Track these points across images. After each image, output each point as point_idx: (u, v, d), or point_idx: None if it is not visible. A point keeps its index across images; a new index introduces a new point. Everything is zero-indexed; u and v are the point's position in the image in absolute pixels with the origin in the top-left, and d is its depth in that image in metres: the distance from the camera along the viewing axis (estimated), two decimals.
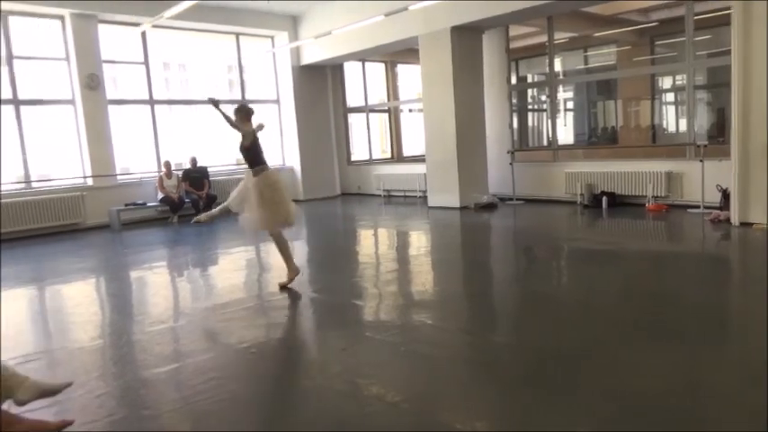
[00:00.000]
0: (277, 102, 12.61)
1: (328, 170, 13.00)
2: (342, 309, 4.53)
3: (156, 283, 6.07)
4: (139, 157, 11.17)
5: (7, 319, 4.46)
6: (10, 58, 9.17)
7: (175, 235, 9.06)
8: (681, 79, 10.90)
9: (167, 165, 10.24)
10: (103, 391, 3.07)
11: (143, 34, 10.26)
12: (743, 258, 5.86)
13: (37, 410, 2.55)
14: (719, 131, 10.52)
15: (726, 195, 7.04)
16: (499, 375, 3.06)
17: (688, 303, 4.17)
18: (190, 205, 10.19)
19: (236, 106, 5.29)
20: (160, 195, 10.16)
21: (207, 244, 8.24)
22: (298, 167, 12.51)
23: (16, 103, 9.30)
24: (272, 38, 12.28)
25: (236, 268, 6.50)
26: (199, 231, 9.10)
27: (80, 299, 5.47)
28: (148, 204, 10.16)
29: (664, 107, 13.06)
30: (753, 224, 6.49)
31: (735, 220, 6.66)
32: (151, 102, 10.79)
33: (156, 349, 3.78)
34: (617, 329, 3.64)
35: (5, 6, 8.81)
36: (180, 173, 10.49)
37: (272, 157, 12.58)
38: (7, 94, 9.30)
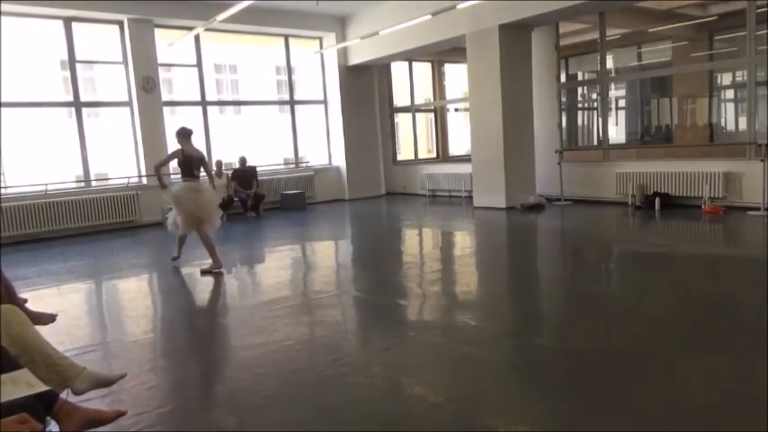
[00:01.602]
0: (324, 102, 12.75)
1: (374, 170, 13.06)
2: (385, 308, 4.55)
3: (206, 279, 6.23)
4: None
5: (66, 312, 4.67)
6: (72, 62, 9.60)
7: (224, 233, 9.27)
8: (741, 76, 10.42)
9: (218, 164, 10.51)
10: (154, 384, 3.19)
11: (196, 37, 10.56)
12: None
13: (92, 400, 2.67)
14: None
15: None
16: (543, 380, 3.00)
17: (745, 311, 3.99)
18: (239, 204, 10.44)
19: (177, 129, 6.33)
20: None
21: (254, 242, 8.42)
22: (343, 167, 12.61)
23: (77, 105, 9.73)
24: (321, 39, 12.42)
25: (281, 266, 6.62)
26: (247, 230, 9.31)
27: (134, 293, 5.69)
28: None
29: (722, 105, 12.52)
30: None
31: None
32: (203, 103, 11.09)
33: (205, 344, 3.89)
34: (668, 336, 3.52)
35: (67, 13, 9.24)
36: (229, 172, 10.75)
37: (318, 157, 12.82)
38: (68, 97, 9.78)
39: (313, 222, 10.04)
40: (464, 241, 7.79)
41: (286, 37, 12.00)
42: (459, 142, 14.81)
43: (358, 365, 3.34)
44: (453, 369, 3.24)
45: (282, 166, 12.69)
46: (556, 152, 9.88)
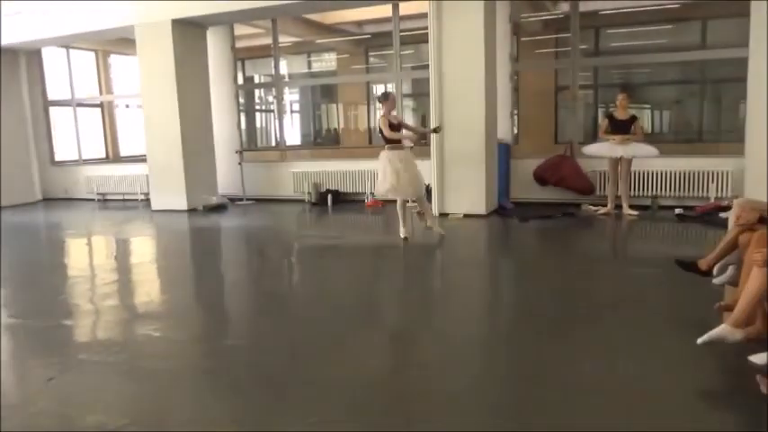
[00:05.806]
0: None
1: (25, 171, 11.12)
2: (47, 332, 3.90)
3: None
4: None
5: None
6: None
7: None
8: (391, 88, 12.14)
9: None
10: None
11: None
12: (443, 244, 6.79)
13: None
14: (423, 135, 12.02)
15: (428, 191, 8.09)
16: (234, 380, 2.99)
17: (399, 289, 4.69)
18: None
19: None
20: None
21: None
22: None
23: None
24: None
25: None
26: None
27: None
28: None
29: (378, 112, 14.40)
30: (448, 214, 7.63)
31: (435, 211, 7.73)
32: None
33: None
34: (344, 321, 3.90)
35: None
36: None
37: None
38: None
39: None
40: (142, 247, 7.25)
41: None
42: (134, 141, 13.68)
43: (16, 405, 2.80)
44: (137, 387, 2.98)
45: None
46: (236, 152, 9.96)
